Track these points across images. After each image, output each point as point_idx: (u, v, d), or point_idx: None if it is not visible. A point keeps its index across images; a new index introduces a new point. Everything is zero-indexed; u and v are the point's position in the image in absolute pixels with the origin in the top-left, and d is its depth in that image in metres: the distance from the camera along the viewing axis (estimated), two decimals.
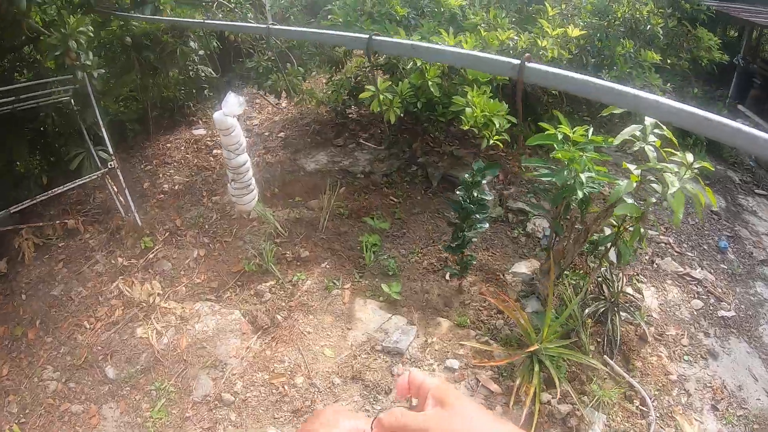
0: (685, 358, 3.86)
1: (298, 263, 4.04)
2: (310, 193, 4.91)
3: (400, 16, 4.04)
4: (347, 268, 4.00)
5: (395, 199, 4.80)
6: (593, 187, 3.24)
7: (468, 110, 3.54)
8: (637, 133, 2.85)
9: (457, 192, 3.35)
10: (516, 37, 3.91)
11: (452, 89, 3.84)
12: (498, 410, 3.18)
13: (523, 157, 5.05)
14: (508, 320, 3.67)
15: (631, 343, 3.81)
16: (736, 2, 7.89)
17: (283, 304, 3.72)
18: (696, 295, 4.42)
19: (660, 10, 4.93)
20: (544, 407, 3.17)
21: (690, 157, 2.80)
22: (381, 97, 3.77)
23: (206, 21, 4.09)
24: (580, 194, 3.12)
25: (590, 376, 3.44)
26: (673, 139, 2.91)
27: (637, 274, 4.35)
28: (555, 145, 3.19)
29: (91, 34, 3.86)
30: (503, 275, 4.07)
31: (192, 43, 5.01)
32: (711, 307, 4.36)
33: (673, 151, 2.92)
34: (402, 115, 4.03)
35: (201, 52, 5.33)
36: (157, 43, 4.94)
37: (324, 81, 5.98)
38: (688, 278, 4.55)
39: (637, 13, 4.67)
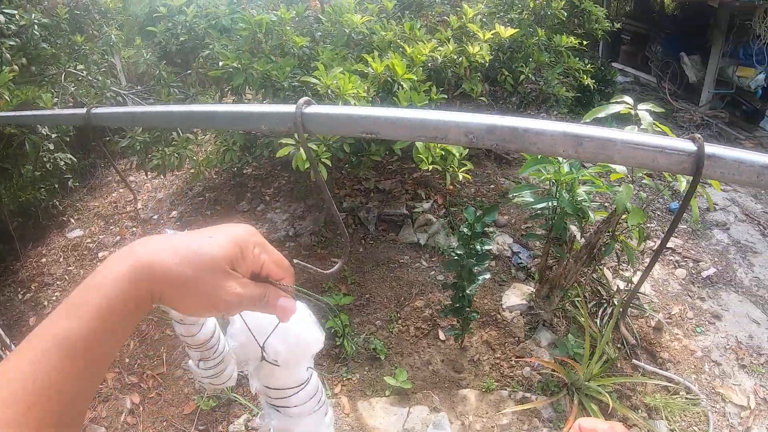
0: (698, 330, 3.63)
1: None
2: None
3: (299, 47, 3.23)
4: (326, 365, 3.15)
5: (337, 260, 3.90)
6: (595, 202, 2.75)
7: (420, 144, 2.86)
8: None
9: (455, 252, 2.66)
10: (441, 48, 3.27)
11: None
12: None
13: (513, 186, 4.53)
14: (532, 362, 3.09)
15: (648, 336, 3.46)
16: None
17: None
18: (676, 265, 4.15)
19: None
20: None
21: None
22: (303, 153, 2.97)
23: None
24: (591, 216, 2.60)
25: (630, 386, 3.09)
26: (668, 131, 2.45)
27: (619, 264, 3.95)
28: (542, 169, 2.63)
29: None
30: (498, 313, 3.46)
31: (41, 129, 3.86)
32: (693, 272, 4.10)
33: None
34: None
35: (54, 136, 4.15)
36: None
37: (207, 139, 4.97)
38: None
39: None
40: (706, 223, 4.67)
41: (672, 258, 4.19)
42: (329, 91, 2.60)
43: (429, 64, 3.33)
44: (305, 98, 0.77)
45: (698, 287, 3.96)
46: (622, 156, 0.60)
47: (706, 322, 3.70)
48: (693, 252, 4.28)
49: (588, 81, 4.42)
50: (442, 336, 3.29)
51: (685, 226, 4.59)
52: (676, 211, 4.64)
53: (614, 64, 8.26)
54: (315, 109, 0.76)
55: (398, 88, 2.87)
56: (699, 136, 0.57)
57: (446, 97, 3.26)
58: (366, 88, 2.71)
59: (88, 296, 0.51)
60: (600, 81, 6.56)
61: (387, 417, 2.81)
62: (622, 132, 0.60)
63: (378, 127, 0.71)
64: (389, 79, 2.89)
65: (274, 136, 3.24)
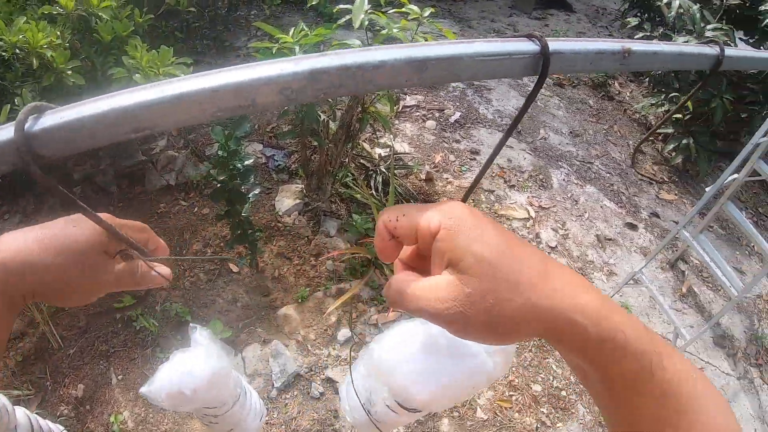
0: (463, 169, 4.46)
1: (83, 407, 3.05)
2: None
3: None
4: (140, 356, 3.20)
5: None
6: None
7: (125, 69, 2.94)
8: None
9: (216, 180, 2.85)
10: None
11: None
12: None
13: None
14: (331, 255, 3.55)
15: (424, 189, 4.15)
16: None
17: None
18: (424, 119, 4.89)
19: None
20: None
21: (415, 7, 2.82)
22: None
23: None
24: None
25: None
26: None
27: (374, 134, 4.55)
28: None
29: None
30: (278, 221, 3.78)
31: None
32: (442, 120, 4.90)
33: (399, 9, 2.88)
34: None
35: None
36: None
37: None
38: (407, 108, 4.97)
39: None
40: None
41: (418, 114, 4.91)
42: (17, 51, 2.51)
43: None
44: (31, 105, 0.55)
45: (450, 132, 4.77)
46: (470, 71, 0.62)
47: (468, 160, 4.52)
48: (436, 103, 5.07)
49: None
50: (235, 268, 3.53)
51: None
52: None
53: None
54: (52, 119, 0.55)
55: (97, 22, 2.83)
56: (538, 34, 0.65)
57: (152, 16, 3.30)
58: (59, 33, 2.66)
59: None
60: None
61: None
62: (466, 45, 0.62)
63: (154, 118, 0.55)
64: (84, 14, 2.82)
65: None
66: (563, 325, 0.51)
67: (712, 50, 0.91)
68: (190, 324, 1.57)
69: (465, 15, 7.49)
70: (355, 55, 0.55)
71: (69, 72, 2.59)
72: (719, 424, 0.55)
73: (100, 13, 2.83)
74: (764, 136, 3.31)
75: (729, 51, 0.92)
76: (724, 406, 0.57)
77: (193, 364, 1.53)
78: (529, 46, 0.64)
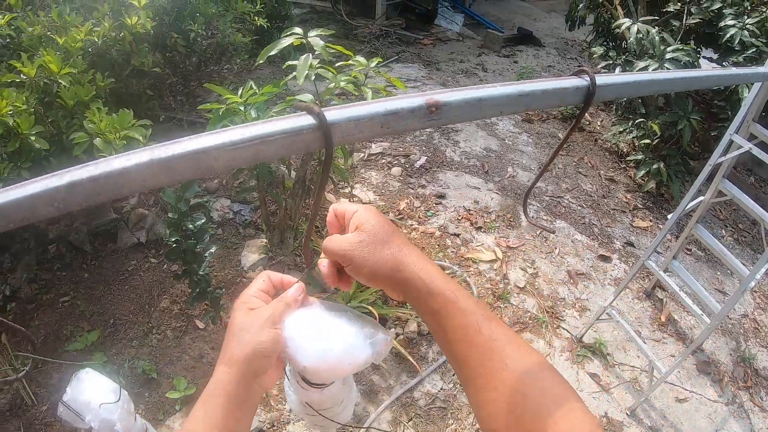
0: (429, 214, 4.68)
1: None
2: None
3: None
4: None
5: (65, 303, 4.09)
6: None
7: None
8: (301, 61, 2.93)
9: (169, 241, 3.12)
10: (98, 28, 3.55)
11: None
12: None
13: None
14: None
15: None
16: None
17: None
18: (389, 166, 5.18)
19: None
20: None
21: (362, 59, 3.09)
22: None
23: None
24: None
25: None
26: (344, 50, 3.11)
27: (336, 186, 4.83)
28: (229, 123, 3.14)
29: None
30: (243, 277, 4.06)
31: None
32: (407, 166, 5.20)
33: (346, 62, 3.16)
34: None
35: None
36: None
37: None
38: (372, 157, 5.27)
39: None
40: None
41: (384, 161, 5.19)
42: None
43: (90, 50, 3.58)
44: None
45: (416, 178, 5.04)
46: (226, 162, 0.63)
47: (434, 204, 4.77)
48: (401, 149, 5.35)
49: (261, 21, 5.16)
50: (200, 325, 3.79)
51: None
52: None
53: None
54: None
55: (59, 89, 3.09)
56: (319, 109, 0.65)
57: (114, 80, 3.58)
58: (24, 98, 2.86)
59: None
60: (275, 19, 7.42)
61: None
62: (217, 134, 0.63)
63: None
64: (47, 80, 3.09)
65: None
66: (409, 277, 0.85)
67: (580, 82, 0.86)
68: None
69: (434, 58, 7.89)
70: (100, 165, 0.60)
71: (33, 137, 2.83)
72: (558, 394, 0.74)
73: (60, 81, 3.09)
74: (723, 155, 3.32)
75: (602, 79, 0.87)
76: (558, 377, 0.77)
77: (86, 384, 1.96)
78: (303, 121, 0.65)
